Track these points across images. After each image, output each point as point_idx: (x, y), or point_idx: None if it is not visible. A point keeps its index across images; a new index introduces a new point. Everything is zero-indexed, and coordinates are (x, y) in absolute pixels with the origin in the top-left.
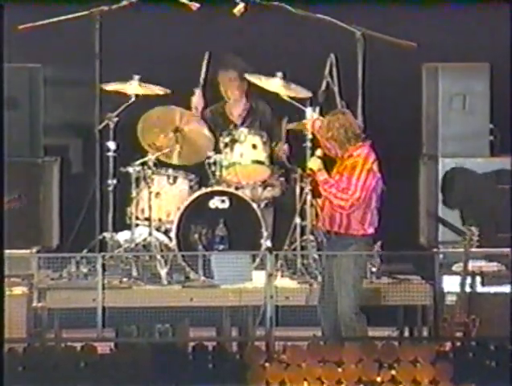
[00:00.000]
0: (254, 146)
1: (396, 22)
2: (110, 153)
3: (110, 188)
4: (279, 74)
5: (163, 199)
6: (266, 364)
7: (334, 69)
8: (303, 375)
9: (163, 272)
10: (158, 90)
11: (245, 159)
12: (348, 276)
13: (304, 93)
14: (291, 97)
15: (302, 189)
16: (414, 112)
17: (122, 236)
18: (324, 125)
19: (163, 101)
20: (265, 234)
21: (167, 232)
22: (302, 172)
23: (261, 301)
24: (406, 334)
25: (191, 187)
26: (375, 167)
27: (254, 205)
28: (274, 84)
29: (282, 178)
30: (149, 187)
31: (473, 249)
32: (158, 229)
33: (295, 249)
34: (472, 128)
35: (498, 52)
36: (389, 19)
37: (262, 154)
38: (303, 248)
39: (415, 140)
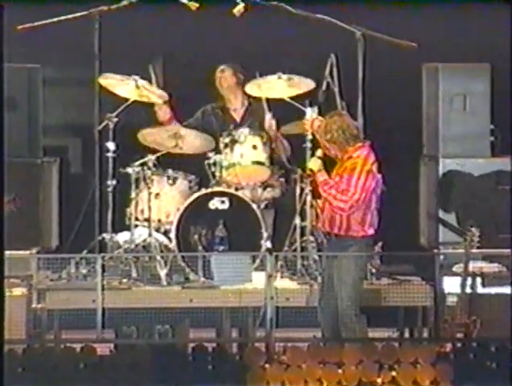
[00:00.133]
0: (254, 147)
1: (396, 22)
2: (110, 154)
3: (110, 189)
4: (279, 74)
5: (162, 200)
6: (266, 365)
7: (334, 69)
8: (303, 377)
9: (163, 273)
10: (154, 97)
11: (245, 160)
12: (348, 277)
13: (308, 85)
14: (292, 98)
15: (302, 190)
16: (414, 113)
17: (122, 237)
18: (322, 127)
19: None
20: (265, 235)
21: (166, 233)
22: (302, 173)
23: (261, 302)
24: (407, 335)
25: (190, 188)
26: (374, 168)
27: (254, 206)
28: (277, 87)
29: (282, 179)
30: (148, 188)
31: (474, 250)
32: (157, 230)
33: (295, 250)
34: (473, 128)
35: (499, 53)
36: (389, 19)
37: (262, 155)
38: (303, 249)
39: (416, 140)
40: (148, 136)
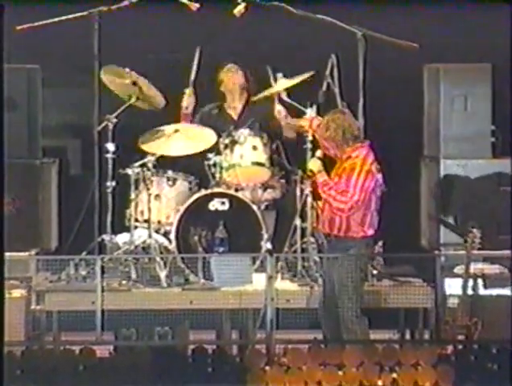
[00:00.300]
0: (255, 148)
1: (397, 22)
2: (109, 155)
3: (109, 190)
4: (280, 75)
5: (162, 201)
6: (267, 367)
7: (335, 70)
8: (303, 379)
9: (163, 274)
10: (153, 95)
11: (245, 161)
12: (348, 279)
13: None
14: (291, 97)
15: (302, 191)
16: (415, 114)
17: (121, 239)
18: (323, 124)
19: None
20: (265, 236)
21: (166, 234)
22: (302, 173)
23: (261, 303)
24: (408, 337)
25: (190, 189)
26: (374, 168)
27: (254, 207)
28: (280, 86)
29: (282, 180)
30: (148, 189)
31: (475, 251)
32: (157, 231)
33: (295, 251)
34: (474, 129)
35: (500, 53)
36: (390, 20)
37: (262, 156)
38: (303, 250)
39: (417, 141)
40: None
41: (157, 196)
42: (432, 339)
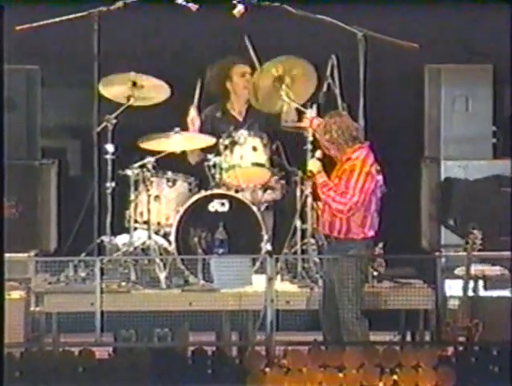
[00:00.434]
0: (254, 148)
1: (398, 23)
2: (108, 156)
3: (109, 191)
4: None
5: (162, 202)
6: (267, 369)
7: (335, 70)
8: (303, 381)
9: (162, 276)
10: (155, 87)
11: (245, 162)
12: (349, 280)
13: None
14: (290, 98)
15: (302, 192)
16: (416, 115)
17: (121, 240)
18: (322, 127)
19: (164, 102)
20: (265, 237)
21: (166, 236)
22: (302, 174)
23: (261, 305)
24: (408, 338)
25: (190, 190)
26: (373, 169)
27: (254, 208)
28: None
29: (282, 181)
30: (148, 190)
31: (476, 253)
32: (157, 233)
33: (295, 253)
34: (475, 130)
35: (501, 54)
36: (391, 20)
37: (262, 157)
38: (303, 251)
39: (417, 142)
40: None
41: (156, 197)
42: (433, 341)
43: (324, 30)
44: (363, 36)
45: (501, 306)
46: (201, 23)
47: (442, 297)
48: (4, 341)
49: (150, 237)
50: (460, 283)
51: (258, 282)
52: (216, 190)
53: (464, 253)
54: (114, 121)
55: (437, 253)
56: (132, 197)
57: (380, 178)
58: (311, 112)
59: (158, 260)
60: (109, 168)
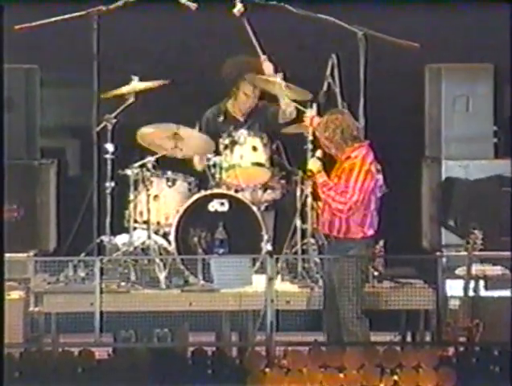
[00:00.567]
0: (254, 148)
1: (398, 22)
2: (108, 156)
3: (108, 191)
4: (280, 75)
5: (161, 202)
6: (267, 369)
7: (335, 70)
8: (304, 381)
9: (162, 276)
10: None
11: (245, 161)
12: (349, 280)
13: (304, 95)
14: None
15: (302, 191)
16: (416, 114)
17: (120, 240)
18: (322, 124)
19: (163, 102)
20: (265, 237)
21: (165, 236)
22: (303, 174)
23: (261, 305)
24: (409, 339)
25: (190, 190)
26: (373, 168)
27: (254, 208)
28: (277, 85)
29: (282, 181)
30: (147, 190)
31: (477, 253)
32: (156, 232)
33: (295, 253)
34: (476, 130)
35: (502, 53)
36: (391, 19)
37: (262, 156)
38: (303, 251)
39: (418, 142)
40: (146, 136)
41: (156, 197)
42: (433, 341)
43: (324, 30)
44: (363, 35)
45: (502, 306)
46: (201, 22)
47: (443, 298)
48: (4, 341)
49: (149, 237)
50: (460, 283)
51: (258, 282)
52: (216, 190)
53: (465, 253)
54: (114, 121)
55: (438, 253)
56: (132, 197)
57: (380, 177)
58: (311, 111)
59: (157, 260)
60: (109, 168)
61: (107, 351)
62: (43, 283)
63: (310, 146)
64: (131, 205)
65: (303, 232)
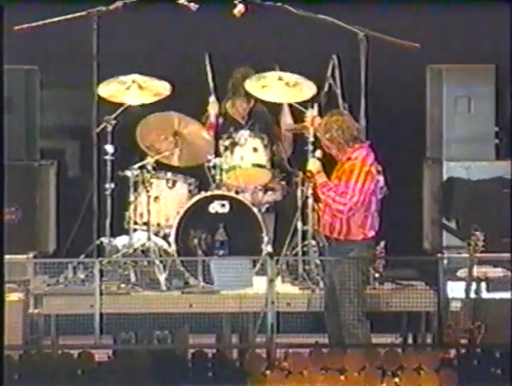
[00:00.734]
0: (255, 149)
1: (399, 23)
2: (108, 157)
3: (108, 192)
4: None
5: (161, 204)
6: (267, 372)
7: (336, 71)
8: (304, 383)
9: (162, 277)
10: (158, 88)
11: (245, 162)
12: (350, 282)
13: (310, 90)
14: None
15: (303, 193)
16: (418, 115)
17: (120, 241)
18: (322, 125)
19: (163, 103)
20: (265, 239)
21: (165, 237)
22: (303, 175)
23: (261, 307)
24: (410, 341)
25: (190, 191)
26: (374, 169)
27: (255, 209)
28: (277, 89)
29: (283, 182)
30: (147, 191)
31: (478, 254)
32: (156, 234)
33: (296, 254)
34: (477, 131)
35: (504, 54)
36: (392, 20)
37: (262, 158)
38: (304, 253)
39: (419, 143)
40: (146, 138)
41: (156, 198)
42: (435, 343)
43: (325, 30)
44: (364, 36)
45: (504, 308)
46: (201, 23)
47: (444, 299)
48: (4, 343)
49: (149, 239)
50: (462, 285)
51: (259, 284)
52: (216, 192)
53: (467, 255)
54: (114, 122)
55: (439, 255)
56: (132, 198)
57: (381, 178)
58: (312, 112)
59: (157, 262)
60: (109, 169)
61: (107, 353)
62: (43, 285)
63: (311, 148)
64: (131, 206)
65: (304, 233)
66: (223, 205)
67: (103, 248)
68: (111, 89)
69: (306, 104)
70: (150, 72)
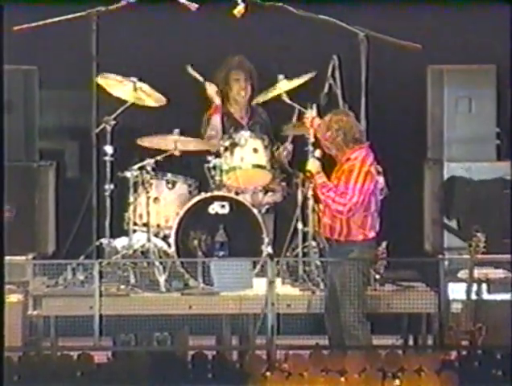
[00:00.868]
0: (255, 150)
1: (400, 23)
2: (107, 158)
3: (107, 193)
4: (281, 77)
5: (161, 205)
6: (268, 373)
7: (337, 71)
8: (305, 385)
9: (162, 279)
10: (151, 101)
11: (245, 163)
12: (351, 284)
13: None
14: (292, 99)
15: (303, 193)
16: (418, 116)
17: (120, 243)
18: (324, 123)
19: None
20: (266, 240)
21: (165, 238)
22: (303, 176)
23: (262, 308)
24: (411, 342)
25: (190, 192)
26: (373, 169)
27: (255, 210)
28: (282, 88)
29: (283, 183)
30: (147, 192)
31: (479, 256)
32: (156, 235)
33: (296, 256)
34: (478, 132)
35: (505, 54)
36: (393, 20)
37: (263, 158)
38: (304, 254)
39: (420, 144)
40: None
41: (156, 199)
42: (436, 345)
43: (325, 31)
44: (365, 36)
45: (505, 310)
46: (201, 23)
47: (445, 301)
48: (4, 345)
49: (149, 240)
50: (463, 286)
51: (259, 285)
52: (216, 193)
53: (468, 256)
54: (113, 123)
55: (440, 256)
56: (131, 199)
57: (381, 179)
58: (311, 112)
59: (157, 263)
60: (108, 170)
61: (106, 355)
62: (42, 286)
63: (311, 148)
64: (131, 207)
65: (304, 234)
66: (223, 206)
67: (102, 250)
68: (110, 82)
69: (306, 104)
70: (150, 72)
